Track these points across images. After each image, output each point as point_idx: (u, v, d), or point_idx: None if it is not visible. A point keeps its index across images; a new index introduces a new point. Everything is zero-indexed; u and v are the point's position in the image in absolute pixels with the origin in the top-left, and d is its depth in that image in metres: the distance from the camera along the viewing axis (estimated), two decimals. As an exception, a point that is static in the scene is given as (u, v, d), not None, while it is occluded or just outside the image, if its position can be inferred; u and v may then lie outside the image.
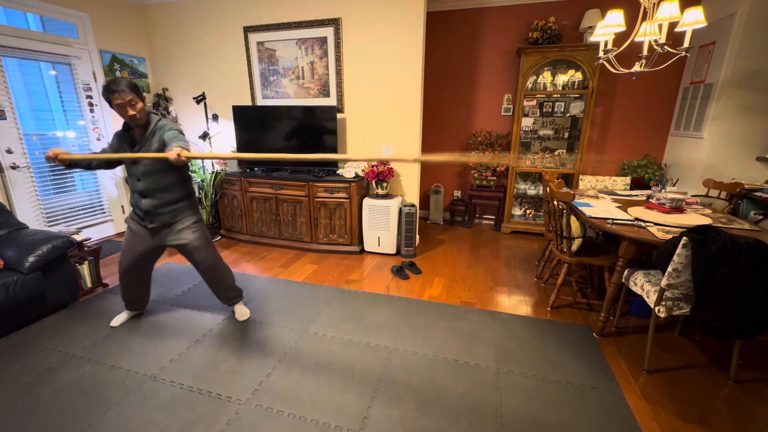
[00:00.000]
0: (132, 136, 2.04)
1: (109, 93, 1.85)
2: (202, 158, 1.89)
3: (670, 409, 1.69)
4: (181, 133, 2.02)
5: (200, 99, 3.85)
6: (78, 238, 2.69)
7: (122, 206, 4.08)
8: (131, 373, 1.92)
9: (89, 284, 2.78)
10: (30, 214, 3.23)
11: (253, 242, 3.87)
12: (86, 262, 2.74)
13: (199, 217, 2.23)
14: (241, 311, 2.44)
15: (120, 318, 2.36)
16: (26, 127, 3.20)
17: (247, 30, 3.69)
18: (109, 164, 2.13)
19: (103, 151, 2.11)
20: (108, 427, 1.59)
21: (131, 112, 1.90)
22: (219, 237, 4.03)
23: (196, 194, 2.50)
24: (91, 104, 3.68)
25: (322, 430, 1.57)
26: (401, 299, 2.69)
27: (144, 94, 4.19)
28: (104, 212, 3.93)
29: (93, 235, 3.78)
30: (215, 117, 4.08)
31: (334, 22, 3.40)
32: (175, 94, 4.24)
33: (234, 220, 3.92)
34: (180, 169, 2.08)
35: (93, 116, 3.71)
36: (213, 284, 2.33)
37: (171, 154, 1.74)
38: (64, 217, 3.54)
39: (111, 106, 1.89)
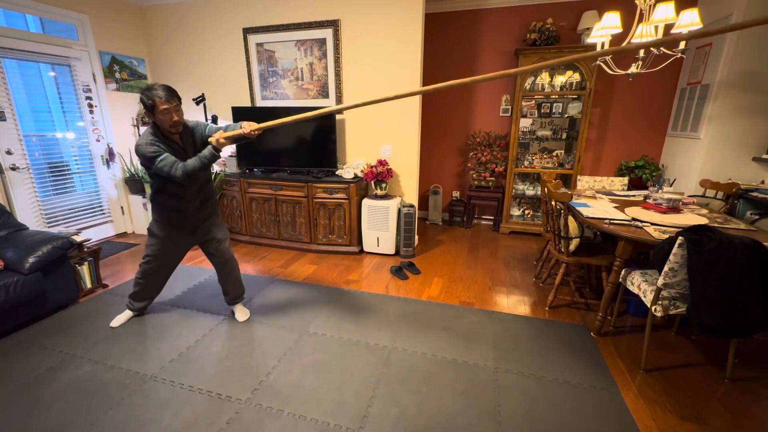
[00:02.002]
0: (173, 145, 1.98)
1: (153, 98, 1.82)
2: (273, 125, 1.94)
3: (667, 408, 1.71)
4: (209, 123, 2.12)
5: (200, 100, 3.86)
6: (78, 239, 2.70)
7: (122, 207, 4.09)
8: (131, 372, 1.93)
9: (89, 285, 2.79)
10: (30, 215, 3.24)
11: (252, 243, 3.87)
12: (86, 263, 2.75)
13: (218, 212, 2.36)
14: (241, 311, 2.45)
15: (120, 318, 2.37)
16: (26, 129, 3.21)
17: (247, 31, 3.71)
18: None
19: (164, 157, 1.89)
20: (109, 426, 1.60)
21: (176, 118, 1.90)
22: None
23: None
24: (90, 105, 3.68)
25: (322, 429, 1.58)
26: (400, 299, 2.71)
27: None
28: (104, 213, 3.94)
29: (92, 236, 3.79)
30: (215, 118, 4.09)
31: (333, 24, 3.41)
32: (174, 95, 4.25)
33: (233, 220, 3.93)
34: (207, 169, 2.11)
35: (93, 117, 3.72)
36: (227, 278, 2.38)
37: (245, 131, 1.88)
38: (64, 218, 3.55)
39: (152, 110, 1.85)
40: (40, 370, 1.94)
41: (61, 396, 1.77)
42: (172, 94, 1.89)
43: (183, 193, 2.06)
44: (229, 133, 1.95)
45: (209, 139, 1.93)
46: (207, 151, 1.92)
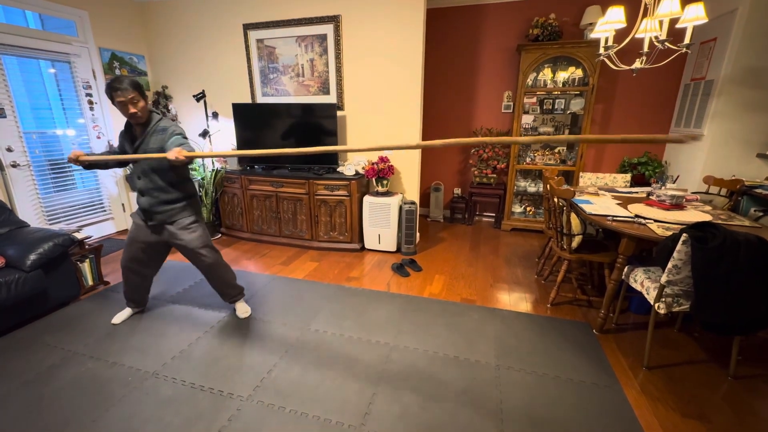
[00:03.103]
0: (133, 133, 2.08)
1: (111, 90, 1.89)
2: (201, 156, 1.91)
3: (670, 405, 1.70)
4: (184, 137, 2.02)
5: (200, 97, 3.84)
6: (79, 236, 2.70)
7: (122, 204, 4.09)
8: (133, 370, 1.93)
9: (90, 282, 2.79)
10: (31, 212, 3.23)
11: (253, 240, 3.87)
12: (87, 260, 2.75)
13: (198, 217, 2.23)
14: (243, 309, 2.44)
15: (121, 315, 2.37)
16: (26, 126, 3.20)
17: (247, 27, 3.68)
18: (122, 163, 2.21)
19: (113, 150, 2.20)
20: (111, 423, 1.60)
21: (132, 110, 1.94)
22: (219, 235, 4.03)
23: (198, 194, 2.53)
24: (90, 102, 3.67)
25: (324, 426, 1.58)
26: (402, 296, 2.70)
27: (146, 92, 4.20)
28: (105, 210, 3.94)
29: (93, 233, 3.79)
30: (215, 115, 4.08)
31: (334, 19, 3.39)
32: (174, 91, 4.24)
33: (234, 218, 3.92)
34: (178, 170, 2.09)
35: (93, 114, 3.71)
36: (214, 282, 2.35)
37: (170, 154, 1.78)
38: (65, 215, 3.54)
39: (113, 103, 1.93)
40: (42, 368, 1.95)
41: (63, 393, 1.77)
42: (130, 86, 1.90)
43: (132, 183, 2.13)
44: (138, 156, 1.99)
45: (174, 150, 1.80)
46: (154, 152, 1.98)
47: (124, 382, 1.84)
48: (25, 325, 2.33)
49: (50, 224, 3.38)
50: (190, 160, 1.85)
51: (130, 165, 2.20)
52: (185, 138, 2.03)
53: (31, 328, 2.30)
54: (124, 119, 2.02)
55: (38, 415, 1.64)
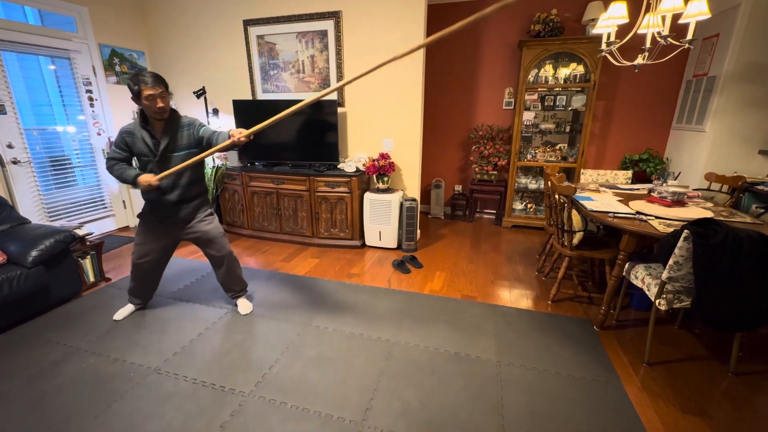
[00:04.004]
0: (150, 131, 2.01)
1: (139, 84, 1.85)
2: (260, 129, 1.90)
3: (670, 401, 1.70)
4: (205, 125, 2.09)
5: (200, 93, 3.83)
6: (80, 232, 2.70)
7: (123, 201, 4.09)
8: (135, 366, 1.94)
9: (92, 278, 2.79)
10: (32, 208, 3.24)
11: (254, 237, 3.87)
12: (89, 257, 2.75)
13: (212, 210, 2.31)
14: (244, 305, 2.45)
15: (123, 311, 2.38)
16: (26, 122, 3.19)
17: (247, 23, 3.67)
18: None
19: (114, 159, 2.05)
20: (113, 419, 1.61)
21: (160, 104, 1.92)
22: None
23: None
24: (91, 99, 3.66)
25: (325, 422, 1.59)
26: (402, 293, 2.70)
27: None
28: (105, 207, 3.94)
29: (95, 230, 3.78)
30: (215, 111, 4.07)
31: (335, 15, 3.37)
32: (175, 88, 4.22)
33: (235, 214, 3.92)
34: (198, 167, 2.14)
35: (93, 111, 3.70)
36: (224, 274, 2.37)
37: (234, 138, 1.83)
38: (66, 212, 3.55)
39: (138, 97, 1.89)
40: (45, 363, 1.96)
41: (65, 389, 1.78)
42: (159, 81, 1.89)
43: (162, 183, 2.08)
44: (194, 159, 1.98)
45: (234, 132, 1.85)
46: (132, 177, 1.98)
47: (126, 378, 1.85)
48: (27, 321, 2.33)
49: (51, 221, 3.39)
50: (250, 136, 1.88)
51: (135, 164, 2.15)
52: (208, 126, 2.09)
53: (33, 325, 2.30)
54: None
55: (41, 410, 1.65)
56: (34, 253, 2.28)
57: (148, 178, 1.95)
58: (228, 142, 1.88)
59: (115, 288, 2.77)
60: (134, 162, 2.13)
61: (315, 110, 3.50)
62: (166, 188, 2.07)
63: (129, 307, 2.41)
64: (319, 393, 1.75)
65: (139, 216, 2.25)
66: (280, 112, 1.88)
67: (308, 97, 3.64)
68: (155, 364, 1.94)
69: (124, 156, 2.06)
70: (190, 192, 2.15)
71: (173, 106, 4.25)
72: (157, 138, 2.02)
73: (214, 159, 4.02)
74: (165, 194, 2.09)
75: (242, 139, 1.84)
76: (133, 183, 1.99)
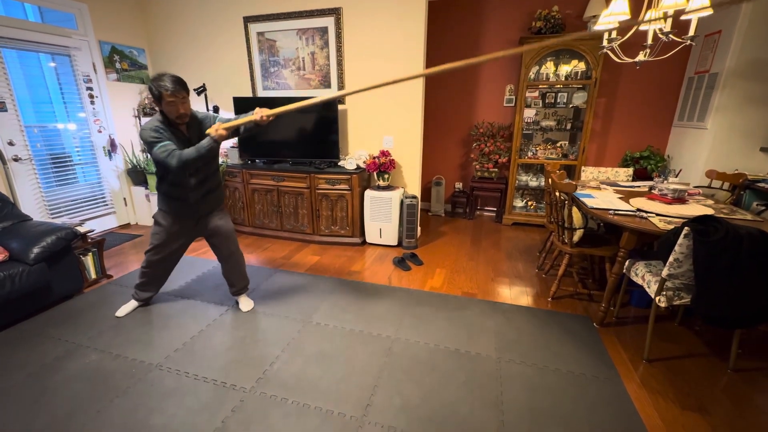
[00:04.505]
0: (178, 134, 2.00)
1: (161, 89, 1.83)
2: (283, 111, 1.96)
3: (669, 397, 1.71)
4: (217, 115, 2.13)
5: (201, 90, 3.82)
6: (81, 229, 2.71)
7: (124, 198, 4.10)
8: (137, 362, 1.95)
9: (93, 275, 2.80)
10: (33, 206, 3.24)
11: (255, 234, 3.88)
12: (90, 254, 2.76)
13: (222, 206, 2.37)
14: (246, 302, 2.46)
15: (125, 308, 2.39)
16: (27, 119, 3.19)
17: (247, 20, 3.66)
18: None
19: (167, 146, 1.90)
20: (115, 414, 1.62)
21: (182, 110, 1.92)
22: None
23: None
24: (91, 96, 3.66)
25: (326, 418, 1.60)
26: (403, 290, 2.71)
27: (145, 86, 4.18)
28: (106, 204, 3.95)
29: (96, 227, 3.80)
30: (216, 109, 4.06)
31: (335, 12, 3.36)
32: (175, 85, 4.22)
33: (236, 212, 3.93)
34: (213, 161, 2.16)
35: (94, 108, 3.70)
36: (232, 269, 2.39)
37: (256, 117, 1.89)
38: (67, 209, 3.56)
39: (159, 101, 1.87)
40: (47, 360, 1.97)
41: (67, 384, 1.79)
42: (180, 86, 1.88)
43: (185, 182, 2.06)
44: (231, 123, 1.94)
45: (207, 131, 1.92)
46: (205, 141, 1.89)
47: (128, 374, 1.86)
48: (29, 318, 2.35)
49: (52, 218, 3.40)
50: (271, 117, 1.93)
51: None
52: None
53: (36, 321, 2.32)
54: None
55: (43, 406, 1.66)
56: (36, 250, 2.28)
57: (261, 111, 1.91)
58: (252, 117, 1.92)
59: (117, 285, 2.78)
60: None
61: (315, 107, 3.50)
62: (195, 185, 2.09)
63: (131, 304, 2.42)
64: (320, 389, 1.76)
65: (159, 215, 2.20)
66: (289, 105, 1.90)
67: (308, 94, 3.66)
68: (157, 361, 1.95)
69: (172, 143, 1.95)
70: (210, 185, 2.17)
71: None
72: (187, 137, 2.02)
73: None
74: (194, 190, 2.09)
75: (265, 118, 1.90)
76: (215, 142, 1.88)
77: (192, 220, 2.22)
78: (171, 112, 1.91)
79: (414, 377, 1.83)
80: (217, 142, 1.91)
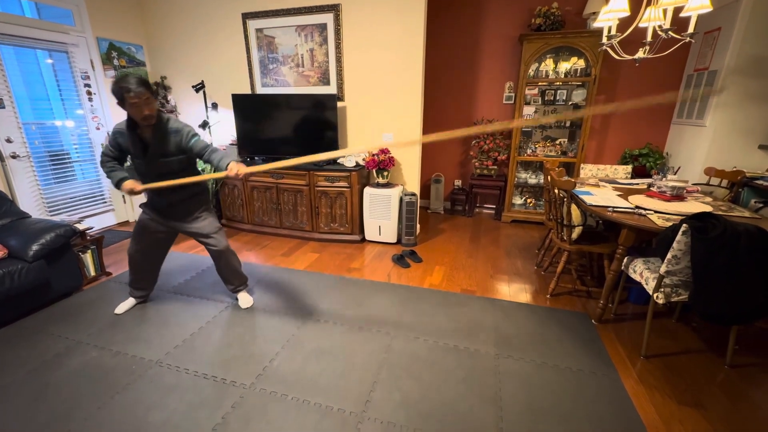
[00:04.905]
0: (141, 136, 1.98)
1: (123, 92, 1.79)
2: (257, 171, 2.00)
3: (666, 393, 1.72)
4: (196, 133, 2.06)
5: (199, 87, 3.82)
6: (80, 227, 2.70)
7: (123, 196, 4.08)
8: (137, 358, 1.95)
9: (93, 273, 2.80)
10: (31, 203, 3.24)
11: (254, 231, 3.88)
12: (89, 251, 2.76)
13: (208, 206, 2.32)
14: (245, 299, 2.46)
15: (125, 305, 2.39)
16: (25, 117, 3.18)
17: (246, 16, 3.64)
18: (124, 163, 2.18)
19: (108, 153, 2.06)
20: (116, 410, 1.63)
21: (146, 112, 1.87)
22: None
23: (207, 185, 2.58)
24: (89, 93, 3.65)
25: (325, 413, 1.61)
26: (402, 287, 2.72)
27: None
28: (105, 202, 3.94)
29: (95, 224, 3.79)
30: (215, 106, 4.06)
31: (334, 8, 3.35)
32: (173, 82, 4.21)
33: (235, 209, 3.93)
34: (188, 171, 2.13)
35: (92, 105, 3.69)
36: (224, 267, 2.38)
37: (231, 172, 1.88)
38: (66, 206, 3.55)
39: (122, 104, 1.84)
40: (47, 356, 1.97)
41: (68, 381, 1.80)
42: (143, 87, 1.82)
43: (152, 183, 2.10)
44: (192, 179, 2.04)
45: (231, 166, 1.90)
46: (117, 178, 2.01)
47: (129, 370, 1.87)
48: (29, 315, 2.35)
49: (51, 215, 3.39)
50: (247, 174, 1.94)
51: (128, 163, 2.17)
52: (200, 137, 2.07)
53: (35, 318, 2.32)
54: (122, 111, 1.97)
55: (44, 402, 1.67)
56: (35, 248, 2.28)
57: (131, 185, 1.98)
58: (224, 174, 1.93)
59: (116, 282, 2.78)
60: (128, 160, 2.14)
61: (315, 105, 3.49)
62: (159, 191, 2.10)
63: (130, 301, 2.42)
64: (320, 385, 1.77)
65: (141, 206, 2.27)
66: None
67: (307, 91, 3.66)
68: (157, 357, 1.96)
69: (116, 155, 2.06)
70: (182, 194, 2.15)
71: (171, 102, 4.20)
72: (146, 142, 1.99)
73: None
74: (158, 196, 2.12)
75: (239, 175, 1.90)
76: (117, 186, 2.02)
77: (161, 218, 2.20)
78: (135, 114, 1.86)
79: (413, 373, 1.84)
80: (119, 187, 2.00)
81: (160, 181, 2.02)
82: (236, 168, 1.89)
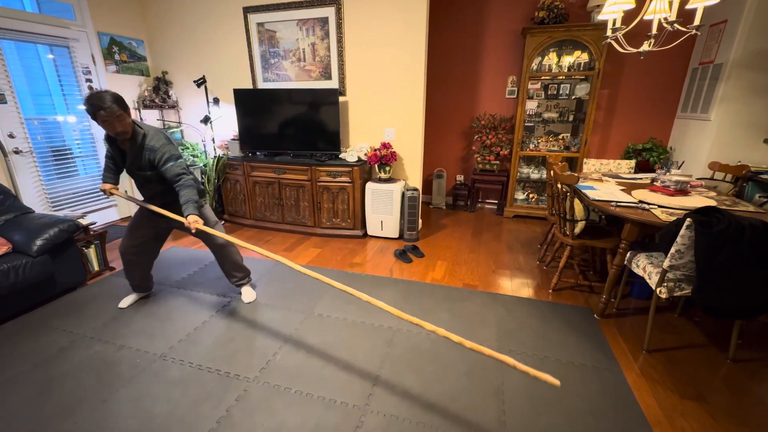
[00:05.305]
0: (120, 147, 2.04)
1: (94, 109, 1.77)
2: (211, 233, 2.03)
3: (669, 387, 1.73)
4: (176, 158, 2.01)
5: (201, 82, 3.80)
6: (83, 222, 2.71)
7: (125, 191, 4.09)
8: (141, 352, 1.97)
9: (96, 267, 2.82)
10: (35, 198, 3.25)
11: (256, 227, 3.89)
12: (93, 246, 2.77)
13: (202, 202, 2.23)
14: (248, 293, 2.47)
15: (128, 300, 2.40)
16: (26, 112, 3.18)
17: (247, 10, 3.62)
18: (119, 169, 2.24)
19: (106, 155, 2.17)
20: (121, 403, 1.64)
21: (119, 129, 1.86)
22: (222, 222, 4.05)
23: (199, 180, 2.57)
24: (91, 88, 3.63)
25: (328, 407, 1.62)
26: (404, 282, 2.72)
27: (144, 78, 4.14)
28: (108, 198, 3.95)
29: (97, 219, 3.80)
30: (216, 101, 4.05)
31: (336, 2, 3.32)
32: (175, 77, 4.19)
33: (237, 204, 3.93)
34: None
35: (93, 100, 3.67)
36: (223, 261, 2.38)
37: (186, 223, 1.93)
38: (69, 201, 3.56)
39: (96, 121, 1.82)
40: (52, 350, 1.99)
41: (73, 375, 1.81)
42: (115, 104, 1.80)
43: (141, 191, 2.20)
44: (151, 208, 2.13)
45: (189, 219, 1.93)
46: (145, 167, 2.04)
47: (133, 364, 1.88)
48: (33, 309, 2.36)
49: (54, 210, 3.40)
50: (198, 230, 1.94)
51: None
52: (178, 158, 2.02)
53: (40, 313, 2.33)
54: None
55: (49, 395, 1.69)
56: (38, 242, 2.29)
57: (106, 188, 2.16)
58: (181, 219, 1.98)
59: (119, 277, 2.79)
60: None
61: (316, 99, 3.48)
62: (147, 196, 2.17)
63: (133, 296, 2.43)
64: (323, 379, 1.78)
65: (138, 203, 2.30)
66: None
67: (308, 86, 3.64)
68: (161, 351, 1.97)
69: (111, 155, 2.15)
70: (169, 197, 2.14)
71: (173, 97, 4.18)
72: (125, 152, 2.04)
73: (215, 148, 4.02)
74: (150, 198, 2.17)
75: (192, 229, 1.91)
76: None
77: (158, 216, 2.19)
78: (108, 130, 1.86)
79: (415, 367, 1.85)
80: None
81: (144, 188, 2.15)
82: (192, 222, 1.91)
